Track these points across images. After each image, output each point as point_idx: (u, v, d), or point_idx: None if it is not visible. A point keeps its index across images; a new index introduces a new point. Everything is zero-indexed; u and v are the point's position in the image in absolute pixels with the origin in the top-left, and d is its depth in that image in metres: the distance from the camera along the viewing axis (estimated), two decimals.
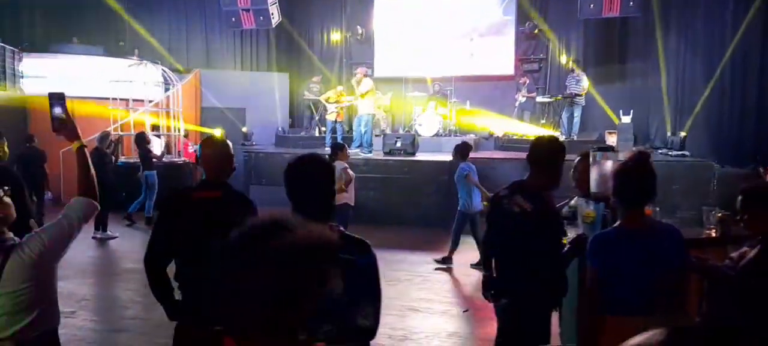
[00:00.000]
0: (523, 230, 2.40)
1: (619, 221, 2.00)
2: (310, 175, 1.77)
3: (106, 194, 7.90)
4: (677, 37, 10.93)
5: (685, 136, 9.38)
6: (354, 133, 10.70)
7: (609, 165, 2.38)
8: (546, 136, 2.79)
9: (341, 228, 1.83)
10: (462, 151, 6.77)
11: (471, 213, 6.37)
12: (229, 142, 2.46)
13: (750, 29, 9.23)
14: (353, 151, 9.84)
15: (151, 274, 2.35)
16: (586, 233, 2.62)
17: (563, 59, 12.81)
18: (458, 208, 6.53)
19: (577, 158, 2.86)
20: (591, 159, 2.54)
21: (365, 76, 10.41)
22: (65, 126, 2.14)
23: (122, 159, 9.69)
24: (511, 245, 2.46)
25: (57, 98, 2.17)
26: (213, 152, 2.39)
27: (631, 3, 9.60)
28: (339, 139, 10.32)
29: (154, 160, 8.88)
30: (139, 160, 8.94)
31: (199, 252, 2.29)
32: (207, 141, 2.45)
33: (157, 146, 11.15)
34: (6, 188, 1.95)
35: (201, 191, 2.36)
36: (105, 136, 8.08)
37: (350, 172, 5.96)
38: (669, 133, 10.10)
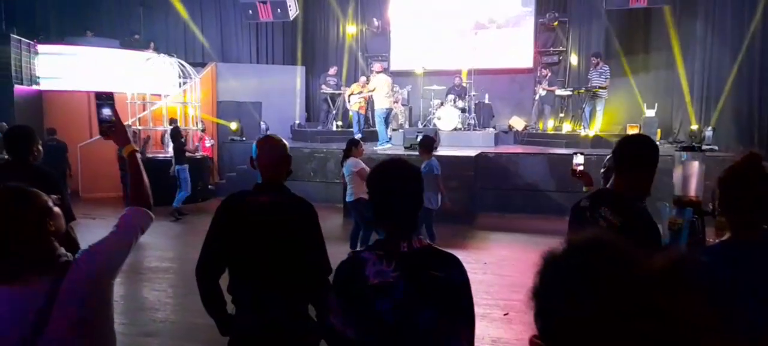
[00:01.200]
0: None
1: (728, 234, 1.81)
2: (401, 182, 1.62)
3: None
4: (703, 26, 10.66)
5: (714, 129, 9.12)
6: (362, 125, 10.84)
7: (695, 166, 2.21)
8: (635, 135, 2.49)
9: (424, 239, 1.66)
10: (428, 146, 6.12)
11: (434, 209, 5.98)
12: (285, 142, 2.29)
13: None
14: (382, 147, 9.83)
15: (202, 285, 2.20)
16: (671, 241, 2.42)
17: (584, 51, 12.58)
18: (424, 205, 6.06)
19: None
20: (675, 159, 2.36)
21: (380, 71, 10.33)
22: (115, 129, 1.98)
23: (149, 154, 9.63)
24: None
25: (105, 99, 1.99)
26: (270, 153, 2.23)
27: None
28: (357, 133, 10.25)
29: (187, 154, 8.90)
30: (171, 155, 8.92)
31: (256, 261, 2.16)
32: (264, 141, 2.28)
33: None
34: (55, 196, 1.78)
35: (258, 194, 2.20)
36: (131, 131, 7.99)
37: (365, 168, 5.73)
38: (694, 127, 9.85)
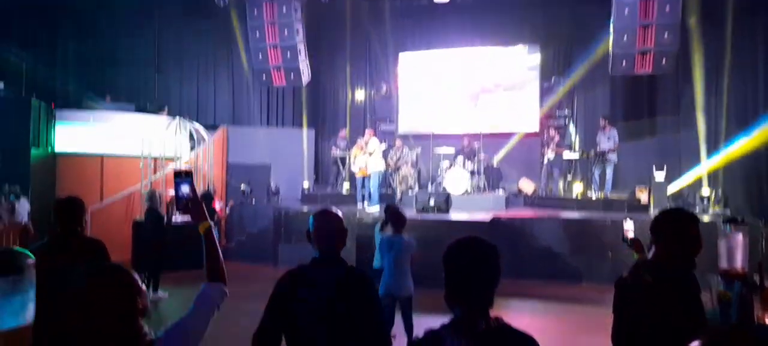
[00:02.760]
0: (658, 316, 2.16)
1: None
2: (479, 261, 1.62)
3: (160, 253, 7.74)
4: (707, 92, 10.88)
5: (725, 195, 9.16)
6: (366, 190, 10.92)
7: (739, 238, 2.20)
8: (673, 209, 2.52)
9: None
10: (398, 220, 5.14)
11: (403, 296, 5.06)
12: (341, 214, 2.31)
13: None
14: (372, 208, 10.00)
15: None
16: (722, 316, 2.38)
17: (590, 114, 12.78)
18: (385, 291, 4.92)
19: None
20: (719, 231, 2.36)
21: (373, 135, 10.93)
22: (193, 206, 2.03)
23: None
24: (646, 334, 2.20)
25: (184, 176, 2.07)
26: (328, 225, 2.25)
27: (664, 61, 9.59)
28: (359, 200, 10.49)
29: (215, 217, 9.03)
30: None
31: (314, 339, 2.13)
32: (321, 214, 2.31)
33: None
34: (144, 274, 1.80)
35: (317, 269, 2.20)
36: (152, 194, 8.04)
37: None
38: (706, 192, 9.86)
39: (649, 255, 2.30)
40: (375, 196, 10.56)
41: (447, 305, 1.63)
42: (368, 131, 11.27)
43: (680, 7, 9.31)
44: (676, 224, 2.25)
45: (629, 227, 3.09)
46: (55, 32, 11.73)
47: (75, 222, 2.95)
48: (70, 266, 2.49)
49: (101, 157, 11.05)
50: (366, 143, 10.78)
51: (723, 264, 2.35)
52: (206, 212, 2.08)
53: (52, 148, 10.91)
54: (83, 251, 2.84)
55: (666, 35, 9.49)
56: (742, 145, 9.59)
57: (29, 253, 2.34)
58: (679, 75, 11.23)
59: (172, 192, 11.12)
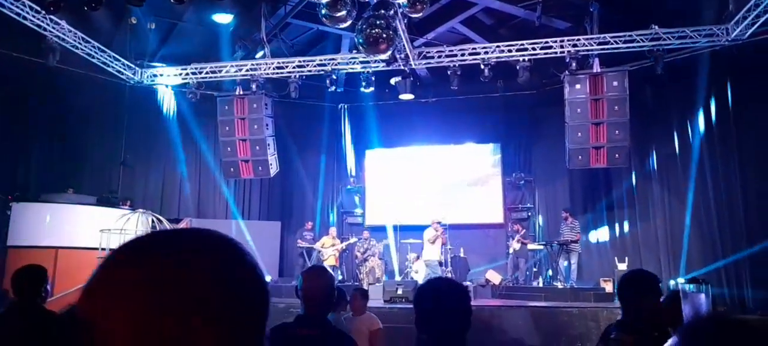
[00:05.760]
0: None
1: None
2: (449, 298, 1.64)
3: None
4: (659, 186, 11.49)
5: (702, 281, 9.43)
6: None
7: (702, 298, 2.32)
8: (633, 269, 2.72)
9: None
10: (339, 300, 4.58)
11: None
12: (332, 275, 2.31)
13: (729, 179, 9.88)
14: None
15: None
16: None
17: (552, 207, 13.20)
18: None
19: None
20: (681, 293, 2.47)
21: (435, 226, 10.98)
22: None
23: None
24: None
25: None
26: (318, 285, 2.23)
27: (617, 156, 10.14)
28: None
29: None
30: None
31: None
32: (311, 272, 2.30)
33: None
34: None
35: (299, 327, 2.16)
36: None
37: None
38: (669, 281, 10.14)
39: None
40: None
41: None
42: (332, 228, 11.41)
43: (627, 106, 10.02)
44: (637, 282, 2.40)
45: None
46: (25, 132, 11.66)
47: (34, 293, 2.82)
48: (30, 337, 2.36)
49: (55, 250, 10.61)
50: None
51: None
52: None
53: (5, 241, 10.48)
54: (42, 323, 2.70)
55: (617, 132, 10.11)
56: None
57: None
58: (633, 171, 11.85)
59: None
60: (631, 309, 2.36)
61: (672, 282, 9.97)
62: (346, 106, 14.36)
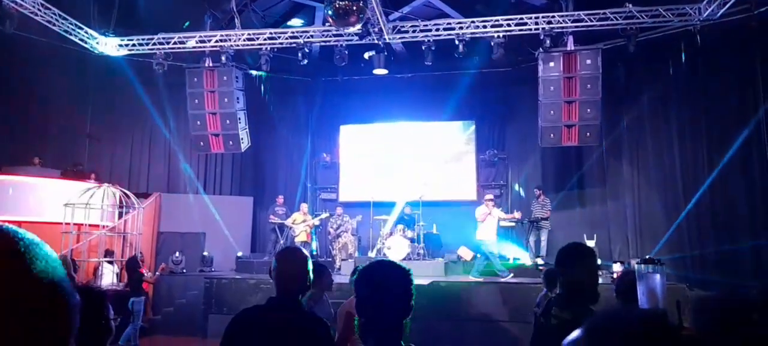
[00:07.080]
0: None
1: None
2: (388, 282, 1.58)
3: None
4: (629, 165, 11.64)
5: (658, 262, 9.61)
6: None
7: (657, 279, 2.29)
8: (571, 243, 2.70)
9: None
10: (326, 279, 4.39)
11: None
12: (308, 256, 2.23)
13: (698, 165, 10.07)
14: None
15: None
16: None
17: (524, 185, 13.31)
18: None
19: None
20: (637, 274, 2.45)
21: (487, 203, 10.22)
22: None
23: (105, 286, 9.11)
24: None
25: None
26: (292, 268, 2.15)
27: (588, 134, 10.20)
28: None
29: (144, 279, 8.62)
30: (126, 288, 8.60)
31: None
32: (285, 254, 2.23)
33: (108, 274, 10.42)
34: None
35: (270, 310, 2.09)
36: (64, 259, 7.50)
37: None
38: (634, 259, 10.33)
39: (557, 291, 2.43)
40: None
41: (360, 338, 1.56)
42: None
43: (600, 85, 10.06)
44: (575, 254, 2.41)
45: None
46: None
47: None
48: None
49: (18, 223, 10.28)
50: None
51: (643, 306, 2.42)
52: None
53: None
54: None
55: (588, 110, 10.15)
56: None
57: None
58: (603, 149, 11.97)
59: (88, 260, 10.55)
60: (567, 282, 2.38)
61: (634, 261, 10.15)
62: (320, 81, 14.12)
